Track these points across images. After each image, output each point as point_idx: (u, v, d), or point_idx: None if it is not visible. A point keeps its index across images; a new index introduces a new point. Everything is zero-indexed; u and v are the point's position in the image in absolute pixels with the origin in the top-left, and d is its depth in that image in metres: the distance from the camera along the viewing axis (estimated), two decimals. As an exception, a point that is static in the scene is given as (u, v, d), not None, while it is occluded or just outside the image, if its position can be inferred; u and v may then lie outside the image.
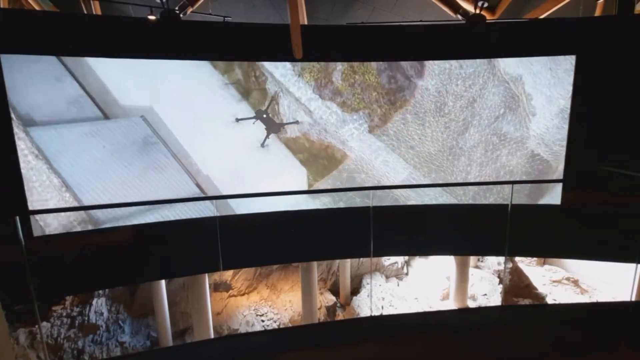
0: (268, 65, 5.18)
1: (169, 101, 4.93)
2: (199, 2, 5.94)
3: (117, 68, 4.70)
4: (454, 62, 5.37)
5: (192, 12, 5.97)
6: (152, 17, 5.05)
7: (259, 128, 5.15)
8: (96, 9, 7.27)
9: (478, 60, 5.36)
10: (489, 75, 5.38)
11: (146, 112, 4.85)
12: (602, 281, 9.01)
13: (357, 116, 5.46)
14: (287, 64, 5.20)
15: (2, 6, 5.95)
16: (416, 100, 5.46)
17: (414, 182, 5.72)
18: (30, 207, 4.55)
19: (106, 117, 4.72)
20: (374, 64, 5.37)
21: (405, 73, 5.36)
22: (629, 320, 2.08)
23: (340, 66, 5.31)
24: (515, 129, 5.53)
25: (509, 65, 5.36)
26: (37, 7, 6.79)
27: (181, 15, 5.66)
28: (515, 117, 5.49)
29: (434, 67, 5.40)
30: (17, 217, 2.75)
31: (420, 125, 5.53)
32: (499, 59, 5.35)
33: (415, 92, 5.44)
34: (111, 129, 4.71)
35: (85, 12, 7.17)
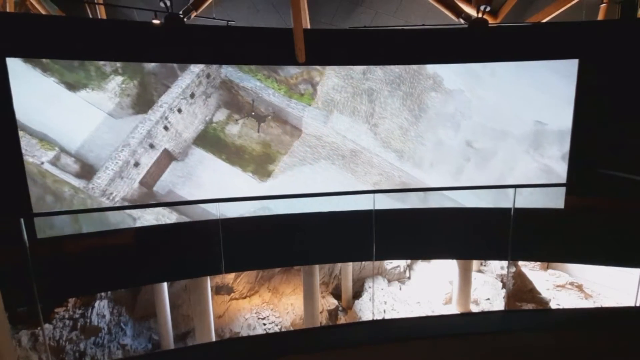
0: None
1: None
2: (203, 7, 5.99)
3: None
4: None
5: (196, 16, 6.02)
6: (156, 22, 5.11)
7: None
8: (101, 13, 7.34)
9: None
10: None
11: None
12: (606, 286, 8.93)
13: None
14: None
15: (8, 10, 6.02)
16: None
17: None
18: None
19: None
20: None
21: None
22: (633, 325, 2.06)
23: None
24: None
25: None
26: (43, 11, 6.89)
27: (185, 20, 5.71)
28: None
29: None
30: (22, 219, 2.77)
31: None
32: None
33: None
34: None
35: (90, 16, 7.25)
